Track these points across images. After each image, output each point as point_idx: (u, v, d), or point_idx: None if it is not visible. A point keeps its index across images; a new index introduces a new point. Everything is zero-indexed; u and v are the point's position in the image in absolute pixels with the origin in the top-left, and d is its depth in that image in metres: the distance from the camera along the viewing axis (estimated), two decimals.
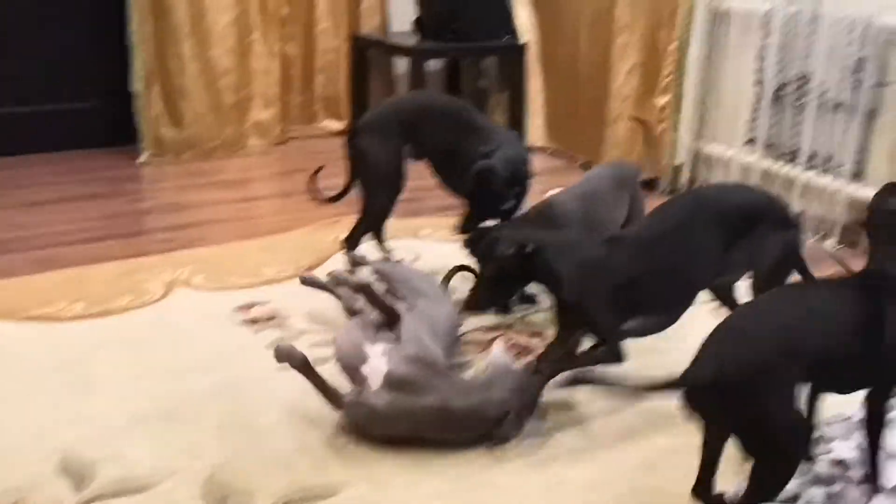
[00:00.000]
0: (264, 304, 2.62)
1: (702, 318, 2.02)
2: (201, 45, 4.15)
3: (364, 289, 2.16)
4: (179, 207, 3.56)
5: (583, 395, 2.11)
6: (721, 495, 1.66)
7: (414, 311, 2.16)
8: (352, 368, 1.97)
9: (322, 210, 3.05)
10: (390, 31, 4.75)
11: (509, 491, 1.80)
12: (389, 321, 2.11)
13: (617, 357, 1.99)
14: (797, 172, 3.39)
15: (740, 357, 1.49)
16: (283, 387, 2.16)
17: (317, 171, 2.75)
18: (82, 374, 2.20)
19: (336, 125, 4.64)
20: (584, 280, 1.96)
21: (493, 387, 1.94)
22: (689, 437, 1.96)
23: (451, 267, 2.61)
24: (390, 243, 2.90)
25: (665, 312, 2.06)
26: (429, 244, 3.15)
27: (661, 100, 3.79)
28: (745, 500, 1.57)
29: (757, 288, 2.07)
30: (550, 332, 2.25)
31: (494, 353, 2.10)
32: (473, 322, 2.49)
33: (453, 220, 2.66)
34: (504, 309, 2.53)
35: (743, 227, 2.01)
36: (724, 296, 2.21)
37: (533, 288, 2.40)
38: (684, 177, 3.85)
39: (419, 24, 4.54)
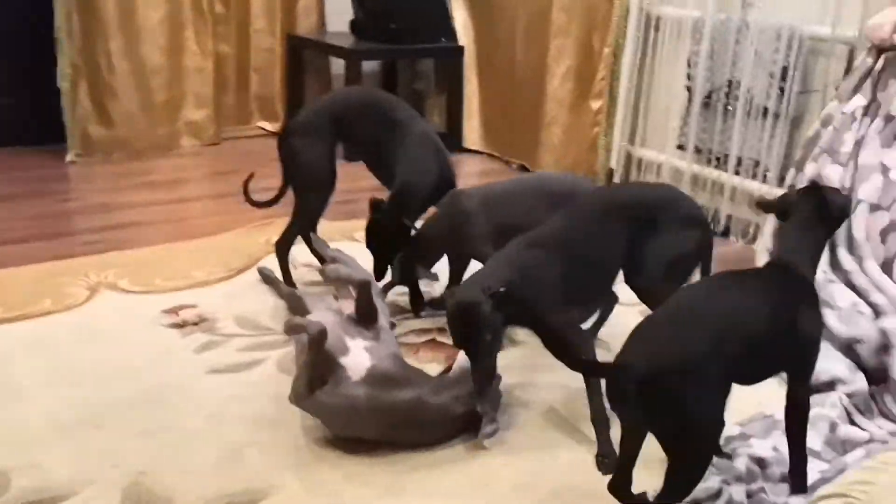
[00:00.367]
0: (193, 307, 2.57)
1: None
2: (131, 42, 4.06)
3: (362, 286, 2.11)
4: (108, 208, 3.47)
5: (516, 397, 2.12)
6: (642, 494, 1.68)
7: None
8: (330, 358, 1.94)
9: (254, 212, 3.00)
10: (327, 31, 4.72)
11: (439, 493, 1.80)
12: (366, 320, 2.10)
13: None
14: (726, 177, 3.46)
15: (666, 351, 1.50)
16: (210, 391, 2.13)
17: (250, 177, 2.72)
18: None
19: (271, 126, 4.59)
20: (531, 286, 1.96)
21: (459, 385, 1.95)
22: (614, 440, 2.00)
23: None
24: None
25: (584, 306, 2.10)
26: (364, 247, 3.12)
27: (596, 104, 3.84)
28: (660, 498, 1.60)
29: (658, 281, 2.09)
30: None
31: (461, 355, 2.10)
32: (407, 326, 2.50)
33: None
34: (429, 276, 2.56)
35: (648, 223, 2.04)
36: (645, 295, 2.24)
37: None
38: (617, 180, 3.90)
39: (356, 24, 4.52)
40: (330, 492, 1.78)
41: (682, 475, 1.56)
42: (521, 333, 2.41)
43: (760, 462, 1.90)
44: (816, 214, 1.75)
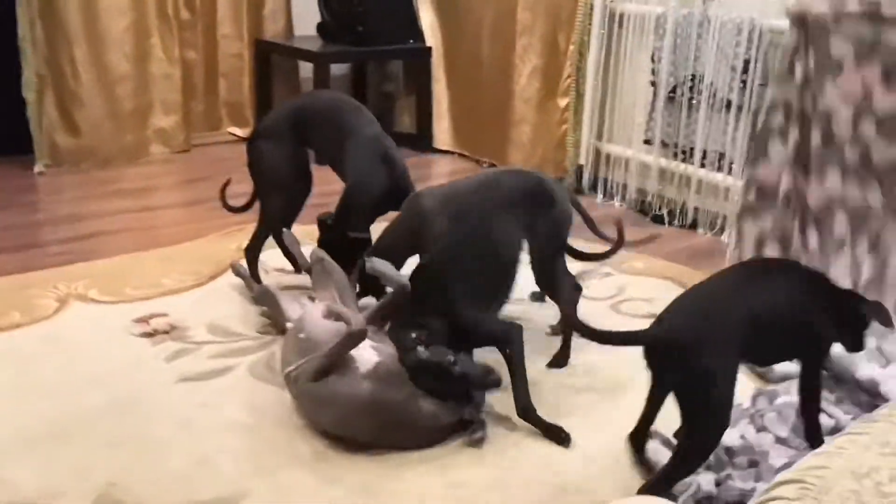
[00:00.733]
0: (163, 315, 2.56)
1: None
2: (96, 51, 4.03)
3: (402, 288, 2.09)
4: (77, 218, 3.45)
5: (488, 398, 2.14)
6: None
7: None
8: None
9: (225, 218, 3.00)
10: (294, 35, 4.71)
11: (413, 493, 1.81)
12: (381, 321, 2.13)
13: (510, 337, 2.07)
14: (692, 170, 3.50)
15: (690, 321, 1.68)
16: (180, 399, 2.12)
17: (227, 183, 2.72)
18: None
19: (241, 132, 4.58)
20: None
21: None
22: (584, 434, 2.03)
23: None
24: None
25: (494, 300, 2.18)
26: None
27: (563, 101, 3.87)
28: (664, 472, 1.72)
29: (533, 262, 2.25)
30: None
31: None
32: None
33: None
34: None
35: (525, 208, 2.19)
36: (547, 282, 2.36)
37: None
38: (587, 177, 3.93)
39: (323, 28, 4.52)
40: (302, 495, 1.79)
41: (691, 447, 1.69)
42: None
43: (728, 451, 1.93)
44: None
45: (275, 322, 2.44)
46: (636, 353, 2.40)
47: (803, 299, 1.79)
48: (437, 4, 4.49)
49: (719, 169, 3.43)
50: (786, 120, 2.56)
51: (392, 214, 2.50)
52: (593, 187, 3.93)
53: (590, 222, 2.58)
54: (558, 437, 1.98)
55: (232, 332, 2.47)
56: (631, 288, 2.89)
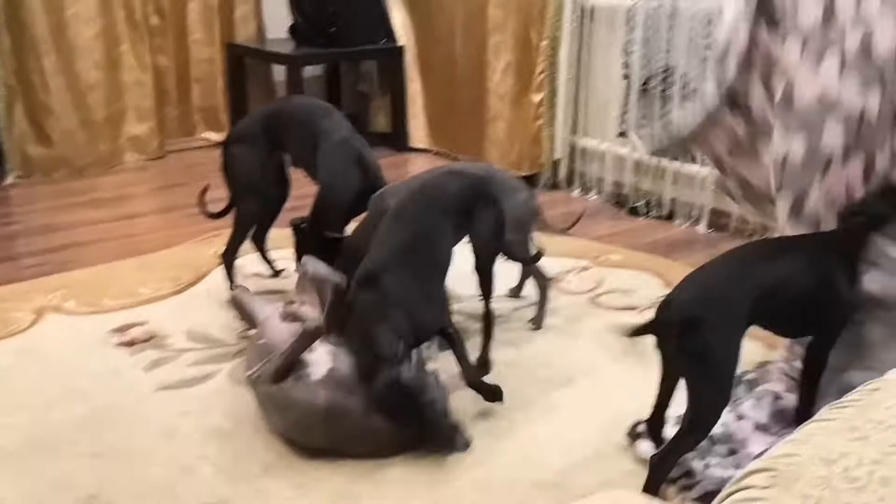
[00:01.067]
0: (142, 324, 2.55)
1: None
2: (65, 60, 4.00)
3: (337, 287, 2.07)
4: (51, 229, 3.42)
5: (460, 396, 2.14)
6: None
7: None
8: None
9: (201, 224, 2.98)
10: (267, 38, 4.69)
11: (393, 497, 1.81)
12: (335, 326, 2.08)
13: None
14: (667, 162, 3.52)
15: (691, 299, 1.74)
16: (160, 408, 2.11)
17: (205, 189, 2.72)
18: None
19: (216, 136, 4.55)
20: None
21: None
22: (563, 428, 2.04)
23: None
24: (273, 254, 2.87)
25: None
26: None
27: (537, 97, 3.87)
28: (671, 445, 1.75)
29: (477, 258, 2.24)
30: None
31: None
32: None
33: None
34: None
35: (465, 209, 2.21)
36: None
37: None
38: (563, 171, 3.94)
39: (295, 30, 4.51)
40: (283, 501, 1.78)
41: (697, 415, 1.72)
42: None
43: (710, 439, 1.94)
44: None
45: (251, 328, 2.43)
46: (610, 345, 2.44)
47: (820, 269, 1.82)
48: (409, 4, 4.48)
49: (694, 160, 3.45)
50: None
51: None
52: (570, 181, 3.94)
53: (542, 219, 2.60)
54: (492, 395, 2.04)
55: (212, 339, 2.47)
56: (609, 280, 2.90)
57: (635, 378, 2.26)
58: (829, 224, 1.94)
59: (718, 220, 3.42)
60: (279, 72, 4.59)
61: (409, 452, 1.92)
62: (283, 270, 2.89)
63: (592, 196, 3.84)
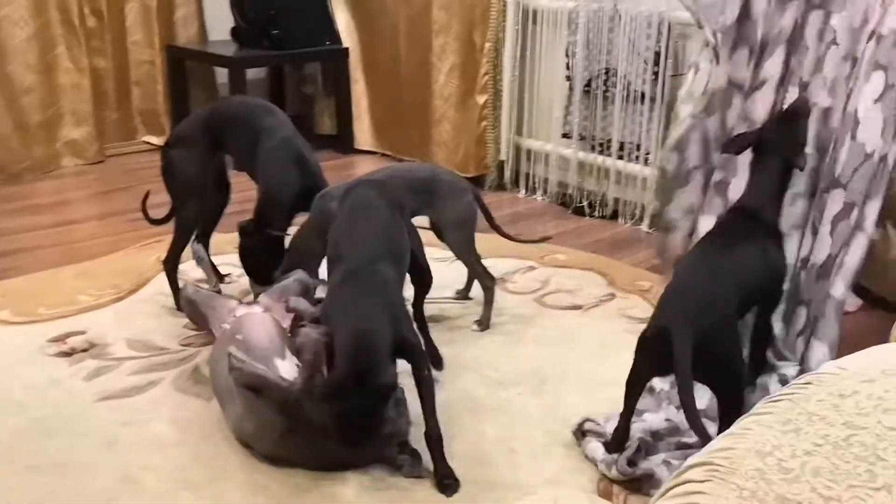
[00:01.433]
0: (81, 333, 2.49)
1: None
2: None
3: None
4: None
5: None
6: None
7: None
8: (265, 359, 1.91)
9: (143, 230, 2.94)
10: (209, 40, 4.63)
11: (344, 499, 1.80)
12: None
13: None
14: (610, 162, 3.57)
15: (687, 308, 1.80)
16: (102, 418, 2.07)
17: (147, 195, 2.68)
18: None
19: (158, 140, 4.47)
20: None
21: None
22: (510, 427, 2.05)
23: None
24: (216, 259, 2.83)
25: None
26: None
27: (481, 98, 3.89)
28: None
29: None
30: None
31: None
32: None
33: None
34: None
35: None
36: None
37: None
38: (508, 172, 3.97)
39: (237, 32, 4.45)
40: None
41: (732, 409, 1.75)
42: None
43: (655, 434, 1.98)
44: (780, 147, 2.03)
45: (201, 330, 2.39)
46: (556, 344, 2.46)
47: (770, 254, 1.99)
48: (352, 5, 4.46)
49: (636, 159, 3.50)
50: None
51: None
52: (515, 182, 3.97)
53: (489, 217, 2.62)
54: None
55: (154, 346, 2.42)
56: (555, 280, 2.93)
57: (583, 376, 2.30)
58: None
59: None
60: (222, 74, 4.53)
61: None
62: (227, 275, 2.85)
63: (538, 197, 3.87)
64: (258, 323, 2.06)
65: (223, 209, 2.71)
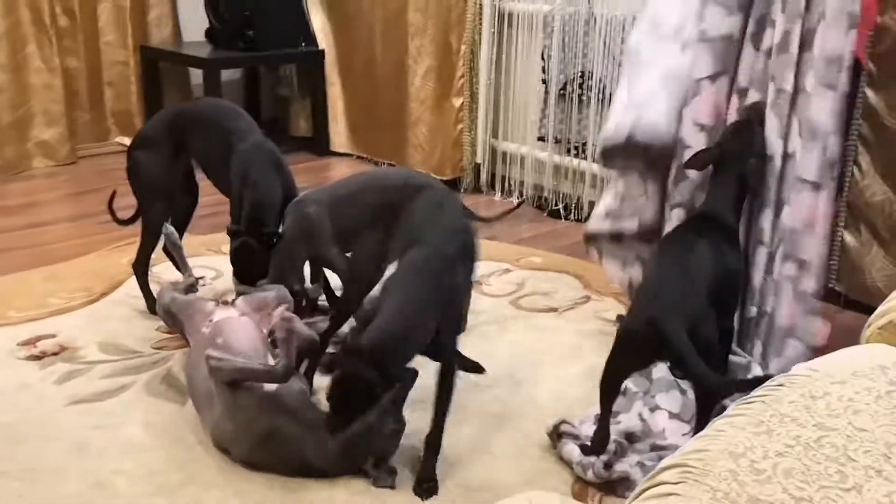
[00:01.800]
0: (52, 336, 2.46)
1: None
2: None
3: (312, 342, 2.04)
4: None
5: None
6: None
7: None
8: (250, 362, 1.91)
9: (115, 232, 2.91)
10: (183, 41, 4.60)
11: None
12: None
13: None
14: (586, 165, 3.59)
15: (658, 301, 1.85)
16: (73, 422, 2.05)
17: (113, 195, 2.65)
18: None
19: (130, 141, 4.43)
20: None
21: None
22: (486, 429, 2.05)
23: None
24: (189, 261, 2.80)
25: None
26: None
27: (457, 101, 3.89)
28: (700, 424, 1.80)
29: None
30: None
31: None
32: None
33: None
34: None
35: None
36: None
37: None
38: (484, 175, 3.97)
39: (212, 33, 4.42)
40: None
41: (709, 401, 1.80)
42: None
43: (630, 436, 1.99)
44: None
45: (175, 332, 2.37)
46: (532, 346, 2.47)
47: (725, 255, 2.03)
48: (328, 7, 4.45)
49: None
50: None
51: None
52: (491, 185, 3.97)
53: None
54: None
55: (125, 350, 2.40)
56: (530, 283, 2.94)
57: (558, 378, 2.30)
58: None
59: None
60: (196, 76, 4.50)
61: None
62: (202, 278, 2.82)
63: (514, 199, 3.88)
64: (238, 327, 2.05)
65: (192, 211, 2.69)
